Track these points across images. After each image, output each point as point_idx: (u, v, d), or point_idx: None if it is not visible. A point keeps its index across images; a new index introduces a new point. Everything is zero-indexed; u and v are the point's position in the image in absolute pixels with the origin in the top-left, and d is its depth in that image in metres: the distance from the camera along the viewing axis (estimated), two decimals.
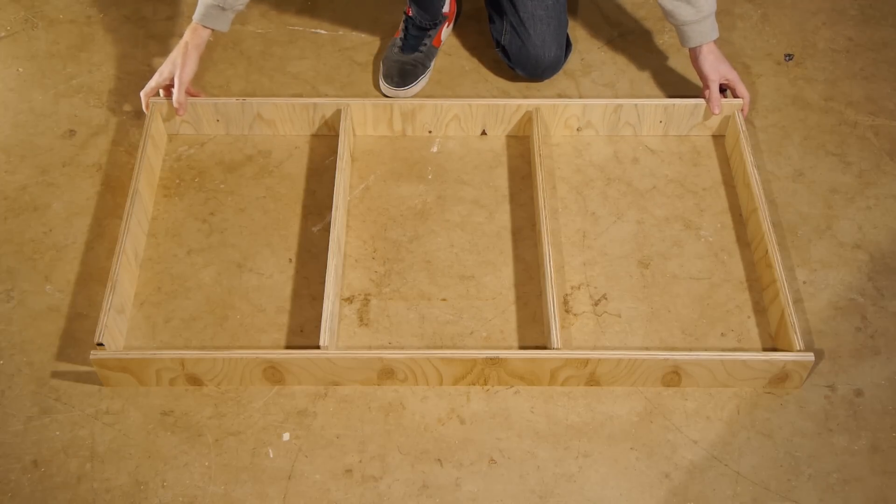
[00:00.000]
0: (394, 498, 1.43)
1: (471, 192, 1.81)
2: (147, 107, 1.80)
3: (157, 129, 1.81)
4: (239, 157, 1.86)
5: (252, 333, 1.60)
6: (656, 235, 1.74)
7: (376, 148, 1.88)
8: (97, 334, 1.50)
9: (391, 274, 1.68)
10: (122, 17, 2.14)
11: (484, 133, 1.89)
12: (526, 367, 1.51)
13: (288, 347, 1.59)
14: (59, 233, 1.74)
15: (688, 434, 1.50)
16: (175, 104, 1.77)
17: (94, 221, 1.75)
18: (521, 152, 1.87)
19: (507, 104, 1.84)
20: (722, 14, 2.10)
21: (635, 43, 2.10)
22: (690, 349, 1.59)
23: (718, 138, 1.90)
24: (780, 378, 1.53)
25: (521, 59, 1.93)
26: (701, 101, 1.84)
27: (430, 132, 1.89)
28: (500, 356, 1.50)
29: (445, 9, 2.01)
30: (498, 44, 1.98)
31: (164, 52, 1.98)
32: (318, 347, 1.51)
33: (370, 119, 1.86)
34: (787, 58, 2.07)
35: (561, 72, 2.00)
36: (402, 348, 1.59)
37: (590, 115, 1.86)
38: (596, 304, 1.65)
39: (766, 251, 1.63)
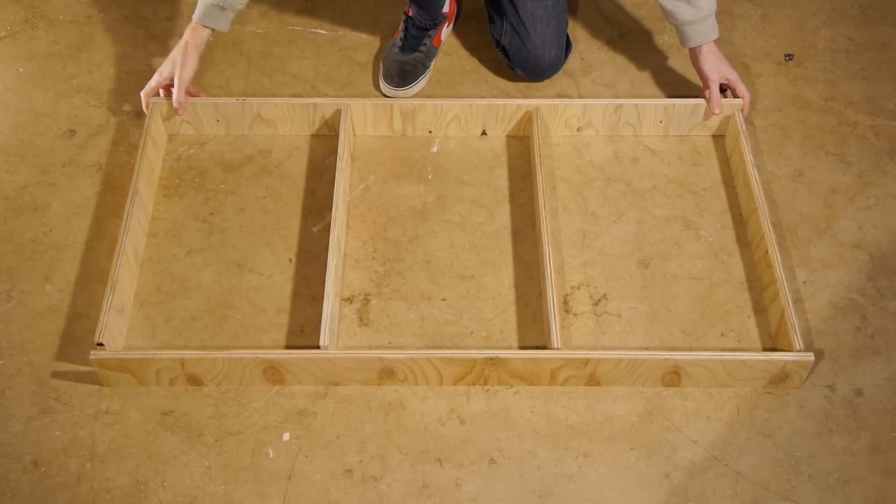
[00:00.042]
0: (394, 498, 1.43)
1: (471, 192, 1.81)
2: (147, 107, 1.80)
3: (157, 129, 1.81)
4: (239, 157, 1.86)
5: (252, 333, 1.60)
6: (656, 235, 1.74)
7: (376, 148, 1.88)
8: (97, 334, 1.50)
9: (391, 274, 1.68)
10: (122, 17, 2.14)
11: (484, 133, 1.89)
12: (526, 367, 1.51)
13: (288, 347, 1.59)
14: (59, 233, 1.74)
15: (688, 434, 1.50)
16: (175, 104, 1.77)
17: (94, 221, 1.75)
18: (521, 152, 1.87)
19: (507, 104, 1.84)
20: (722, 14, 2.10)
21: (635, 43, 2.10)
22: (690, 349, 1.59)
23: (718, 138, 1.90)
24: (780, 378, 1.53)
25: (521, 59, 1.93)
26: (701, 101, 1.84)
27: (430, 132, 1.89)
28: (500, 356, 1.50)
29: (445, 9, 2.01)
30: (498, 44, 1.98)
31: (164, 52, 1.98)
32: (318, 347, 1.51)
33: (370, 119, 1.86)
34: (787, 58, 2.07)
35: (561, 72, 2.00)
36: (402, 348, 1.59)
37: (590, 115, 1.86)
38: (596, 304, 1.65)
39: (766, 251, 1.63)
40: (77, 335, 1.60)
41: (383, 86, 1.96)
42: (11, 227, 1.75)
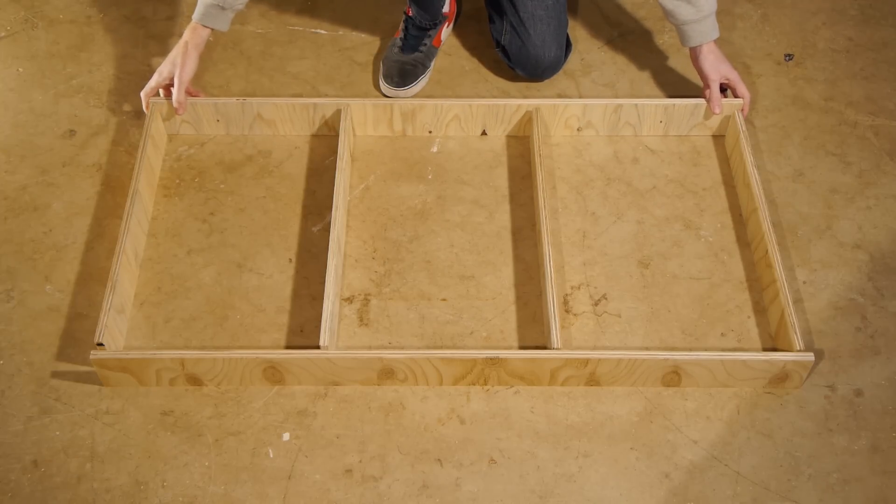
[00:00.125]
0: (394, 498, 1.43)
1: (471, 192, 1.81)
2: (147, 107, 1.80)
3: (157, 129, 1.81)
4: (239, 157, 1.86)
5: (252, 333, 1.60)
6: (656, 235, 1.74)
7: (376, 148, 1.88)
8: (97, 334, 1.50)
9: (391, 274, 1.68)
10: (122, 17, 2.14)
11: (484, 133, 1.89)
12: (526, 367, 1.51)
13: (288, 347, 1.59)
14: (59, 233, 1.74)
15: (688, 434, 1.50)
16: (175, 104, 1.77)
17: (94, 221, 1.75)
18: (521, 152, 1.87)
19: (507, 104, 1.84)
20: (722, 14, 2.10)
21: (635, 43, 2.10)
22: (690, 349, 1.59)
23: (718, 138, 1.90)
24: (780, 378, 1.53)
25: (521, 59, 1.93)
26: (701, 101, 1.84)
27: (430, 132, 1.89)
28: (500, 356, 1.50)
29: (445, 9, 2.01)
30: (498, 44, 1.98)
31: (164, 52, 1.98)
32: (318, 347, 1.51)
33: (370, 119, 1.86)
34: (787, 58, 2.07)
35: (561, 72, 2.00)
36: (402, 348, 1.59)
37: (590, 115, 1.86)
38: (596, 304, 1.65)
39: (766, 251, 1.63)
40: (77, 335, 1.60)
41: (383, 86, 1.96)
42: (11, 227, 1.75)
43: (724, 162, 1.86)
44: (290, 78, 2.01)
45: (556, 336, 1.52)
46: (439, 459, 1.47)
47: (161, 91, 1.81)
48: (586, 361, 1.50)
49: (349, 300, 1.65)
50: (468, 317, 1.63)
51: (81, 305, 1.64)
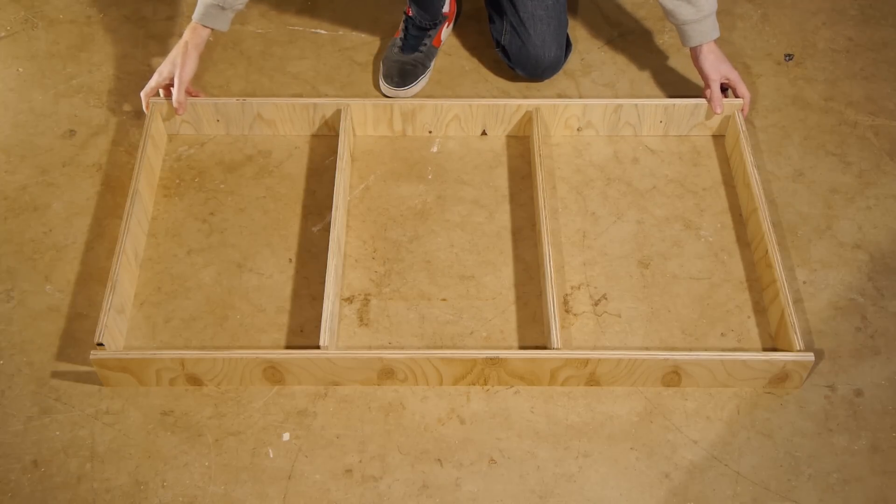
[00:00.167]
0: (394, 498, 1.43)
1: (471, 192, 1.81)
2: (147, 107, 1.80)
3: (157, 129, 1.81)
4: (239, 157, 1.86)
5: (252, 333, 1.60)
6: (656, 235, 1.74)
7: (376, 148, 1.88)
8: (97, 334, 1.50)
9: (391, 274, 1.68)
10: (122, 17, 2.14)
11: (484, 133, 1.89)
12: (526, 367, 1.51)
13: (288, 347, 1.59)
14: (59, 233, 1.74)
15: (688, 434, 1.50)
16: (175, 104, 1.77)
17: (94, 221, 1.75)
18: (521, 152, 1.87)
19: (507, 104, 1.84)
20: (722, 14, 2.10)
21: (635, 43, 2.10)
22: (690, 349, 1.59)
23: (718, 138, 1.90)
24: (780, 378, 1.53)
25: (521, 59, 1.93)
26: (701, 101, 1.84)
27: (430, 132, 1.89)
28: (500, 356, 1.50)
29: (445, 9, 2.01)
30: (498, 44, 1.98)
31: (164, 52, 1.98)
32: (318, 347, 1.51)
33: (370, 119, 1.86)
34: (787, 58, 2.07)
35: (561, 72, 2.00)
36: (402, 348, 1.59)
37: (590, 115, 1.86)
38: (596, 304, 1.65)
39: (766, 251, 1.63)
40: (77, 335, 1.60)
41: (383, 86, 1.96)
42: (11, 227, 1.75)
43: (724, 162, 1.86)
44: (290, 78, 2.01)
45: (556, 336, 1.52)
46: (439, 459, 1.47)
47: (161, 91, 1.81)
48: (586, 361, 1.50)
49: (349, 300, 1.65)
50: (468, 317, 1.63)
51: (81, 305, 1.64)
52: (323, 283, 1.60)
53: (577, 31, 2.12)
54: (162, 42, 2.07)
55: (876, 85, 2.01)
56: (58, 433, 1.49)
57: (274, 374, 1.52)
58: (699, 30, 1.78)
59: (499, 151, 1.87)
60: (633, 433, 1.50)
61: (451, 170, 1.84)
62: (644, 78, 2.02)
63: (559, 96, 1.98)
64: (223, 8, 1.75)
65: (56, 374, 1.56)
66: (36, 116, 1.93)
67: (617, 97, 1.98)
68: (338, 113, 1.84)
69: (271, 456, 1.47)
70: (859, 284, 1.68)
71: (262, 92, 1.98)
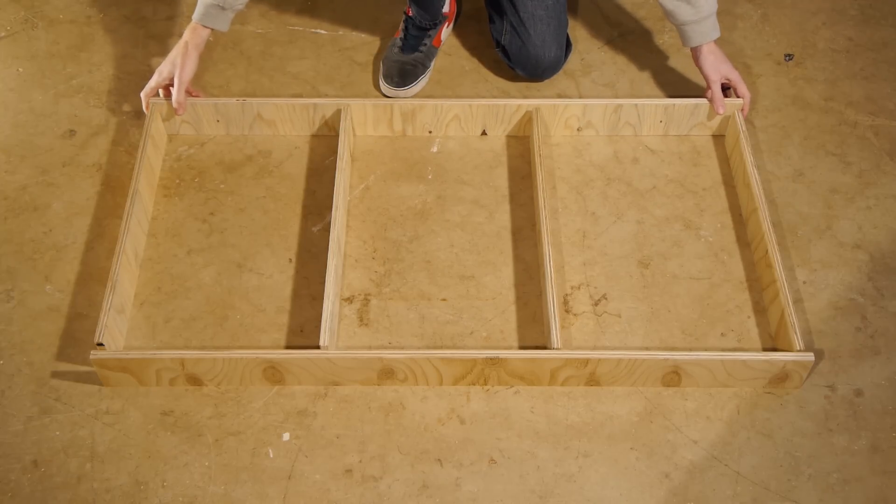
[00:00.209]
0: (394, 498, 1.43)
1: (471, 192, 1.81)
2: (147, 107, 1.80)
3: (157, 129, 1.81)
4: (239, 157, 1.86)
5: (252, 333, 1.60)
6: (656, 235, 1.74)
7: (376, 148, 1.88)
8: (97, 334, 1.50)
9: (391, 274, 1.68)
10: (122, 17, 2.14)
11: (484, 133, 1.89)
12: (526, 367, 1.51)
13: (288, 347, 1.59)
14: (59, 233, 1.74)
15: (688, 434, 1.50)
16: (174, 104, 1.77)
17: (94, 221, 1.75)
18: (521, 152, 1.87)
19: (507, 104, 1.84)
20: (722, 14, 2.10)
21: (635, 43, 2.10)
22: (690, 349, 1.59)
23: (718, 138, 1.90)
24: (780, 378, 1.53)
25: (521, 59, 1.93)
26: (701, 100, 1.84)
27: (430, 132, 1.89)
28: (500, 356, 1.50)
29: (445, 9, 2.01)
30: (498, 44, 1.98)
31: (164, 52, 1.98)
32: (318, 347, 1.51)
33: (370, 119, 1.86)
34: (787, 58, 2.07)
35: (561, 72, 2.00)
36: (402, 348, 1.59)
37: (590, 115, 1.86)
38: (596, 304, 1.65)
39: (766, 251, 1.63)
40: (77, 335, 1.60)
41: (383, 86, 1.96)
42: (11, 227, 1.75)
43: (724, 162, 1.86)
44: (290, 78, 2.01)
45: (556, 336, 1.52)
46: (439, 459, 1.47)
47: (161, 91, 1.81)
48: (586, 361, 1.50)
49: (349, 300, 1.65)
50: (468, 317, 1.63)
51: (81, 305, 1.64)
52: (323, 283, 1.60)
53: (577, 31, 2.12)
54: (162, 42, 2.07)
55: (876, 85, 2.01)
56: (58, 433, 1.49)
57: (274, 374, 1.52)
58: (699, 30, 1.78)
59: (499, 151, 1.87)
60: (633, 433, 1.50)
61: (451, 170, 1.84)
62: (644, 78, 2.02)
63: (559, 96, 1.98)
64: (223, 8, 1.74)
65: (56, 374, 1.56)
66: (36, 116, 1.93)
67: (617, 97, 1.98)
68: (338, 113, 1.84)
69: (271, 456, 1.47)
70: (859, 284, 1.68)
71: (262, 92, 1.98)
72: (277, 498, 1.43)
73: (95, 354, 1.49)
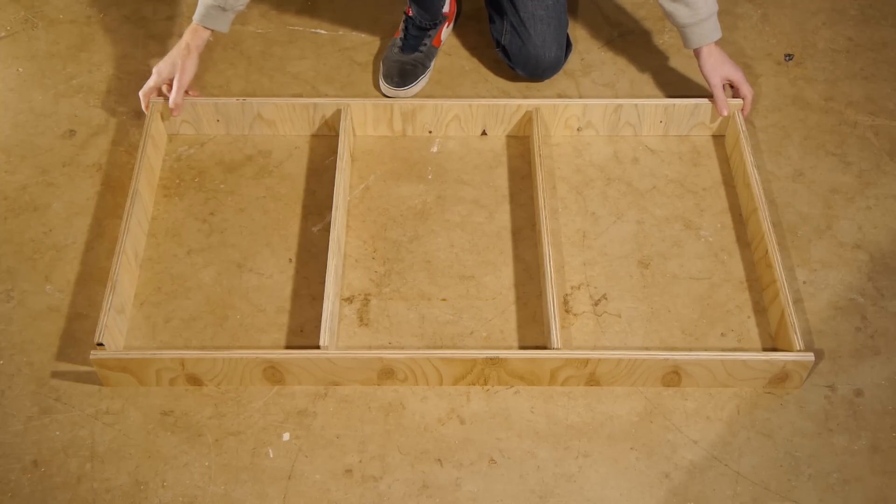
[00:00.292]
0: (394, 498, 1.43)
1: (471, 192, 1.81)
2: (147, 106, 1.80)
3: (157, 129, 1.81)
4: (239, 157, 1.86)
5: (252, 333, 1.60)
6: (656, 235, 1.74)
7: (376, 148, 1.88)
8: (97, 334, 1.50)
9: (391, 274, 1.68)
10: (122, 17, 2.14)
11: (484, 133, 1.89)
12: (526, 367, 1.51)
13: (288, 347, 1.59)
14: (59, 233, 1.74)
15: (688, 434, 1.50)
16: (171, 104, 1.78)
17: (94, 221, 1.75)
18: (521, 152, 1.87)
19: (508, 104, 1.84)
20: (722, 14, 2.10)
21: (635, 43, 2.10)
22: (690, 349, 1.59)
23: (718, 138, 1.90)
24: (780, 378, 1.53)
25: (521, 59, 1.93)
26: (701, 100, 1.84)
27: (430, 132, 1.89)
28: (500, 356, 1.50)
29: (445, 9, 2.01)
30: (498, 44, 1.98)
31: (164, 52, 1.98)
32: (318, 347, 1.51)
33: (370, 119, 1.86)
34: (787, 58, 2.07)
35: (561, 72, 2.00)
36: (402, 348, 1.59)
37: (590, 115, 1.86)
38: (596, 304, 1.65)
39: (766, 251, 1.63)
40: (77, 335, 1.60)
41: (383, 86, 1.96)
42: (11, 227, 1.75)
43: (724, 162, 1.86)
44: (290, 78, 2.01)
45: (556, 336, 1.52)
46: (439, 459, 1.47)
47: (163, 88, 1.80)
48: (586, 361, 1.50)
49: (349, 300, 1.65)
50: (468, 317, 1.63)
51: (81, 305, 1.64)
52: (323, 283, 1.60)
53: (577, 31, 2.12)
54: (162, 42, 2.07)
55: (876, 85, 2.01)
56: (58, 433, 1.49)
57: (274, 374, 1.52)
58: (698, 32, 1.78)
59: (499, 151, 1.87)
60: (633, 433, 1.50)
61: (451, 170, 1.84)
62: (644, 78, 2.02)
63: (559, 96, 1.98)
64: (224, 9, 1.74)
65: (56, 374, 1.56)
66: (36, 116, 1.93)
67: (617, 97, 1.98)
68: (338, 113, 1.84)
69: (271, 456, 1.47)
70: (859, 284, 1.68)
71: (262, 92, 1.98)
72: (277, 498, 1.43)
73: (95, 354, 1.49)
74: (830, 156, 1.88)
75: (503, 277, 1.68)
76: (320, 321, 1.57)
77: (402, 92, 1.94)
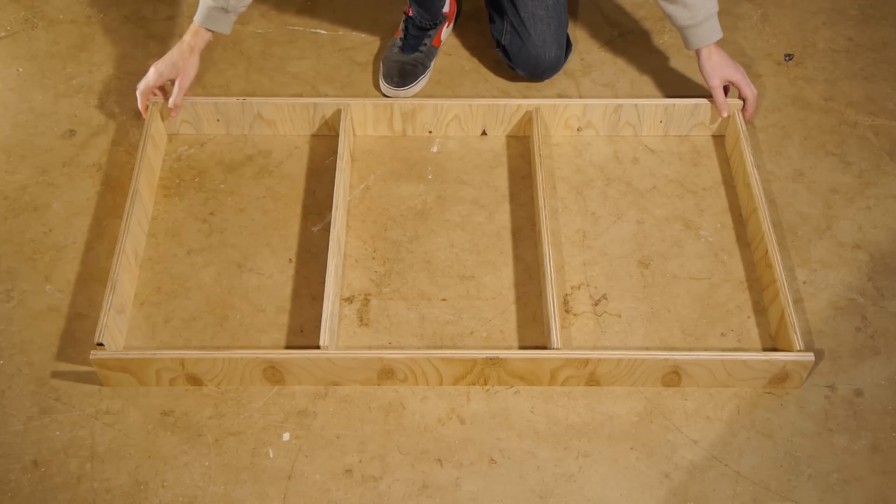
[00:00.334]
0: (394, 498, 1.43)
1: (471, 192, 1.81)
2: (143, 104, 1.79)
3: (157, 129, 1.81)
4: (239, 157, 1.86)
5: (252, 333, 1.60)
6: (656, 235, 1.74)
7: (376, 148, 1.88)
8: (97, 334, 1.50)
9: (391, 274, 1.68)
10: (122, 17, 2.14)
11: (484, 133, 1.89)
12: (526, 367, 1.51)
13: (288, 347, 1.59)
14: (59, 233, 1.74)
15: (688, 434, 1.50)
16: (171, 105, 1.78)
17: (94, 221, 1.75)
18: (521, 152, 1.87)
19: (508, 104, 1.84)
20: (722, 14, 2.09)
21: (635, 43, 2.10)
22: (690, 349, 1.59)
23: (718, 138, 1.90)
24: (780, 378, 1.53)
25: (521, 59, 1.93)
26: (701, 101, 1.84)
27: (430, 132, 1.89)
28: (500, 356, 1.50)
29: (445, 9, 2.01)
30: (498, 44, 1.98)
31: (164, 52, 1.96)
32: (318, 347, 1.51)
33: (370, 119, 1.86)
34: (787, 58, 2.07)
35: (561, 72, 2.00)
36: (402, 348, 1.59)
37: (590, 115, 1.86)
38: (596, 304, 1.65)
39: (766, 251, 1.63)
40: (77, 335, 1.60)
41: (383, 86, 1.96)
42: (11, 227, 1.75)
43: (724, 162, 1.86)
44: (290, 78, 2.01)
45: (556, 336, 1.52)
46: (439, 459, 1.47)
47: (162, 89, 1.80)
48: (586, 361, 1.50)
49: (349, 300, 1.65)
50: (468, 317, 1.63)
51: (81, 305, 1.64)
52: (323, 283, 1.60)
53: (577, 31, 2.12)
54: (162, 42, 2.07)
55: (876, 85, 2.01)
56: (58, 433, 1.49)
57: (274, 374, 1.52)
58: (697, 34, 1.78)
59: (499, 151, 1.87)
60: (633, 433, 1.50)
61: (451, 170, 1.84)
62: (644, 78, 2.02)
63: (559, 96, 1.98)
64: (226, 11, 1.74)
65: (56, 374, 1.56)
66: (36, 116, 1.93)
67: (617, 97, 1.98)
68: (338, 113, 1.85)
69: (271, 456, 1.47)
70: (859, 284, 1.68)
71: (262, 92, 1.98)
72: (277, 498, 1.43)
73: (95, 354, 1.49)
74: (830, 156, 1.88)
75: (503, 277, 1.68)
76: (320, 321, 1.57)
77: (402, 92, 1.94)
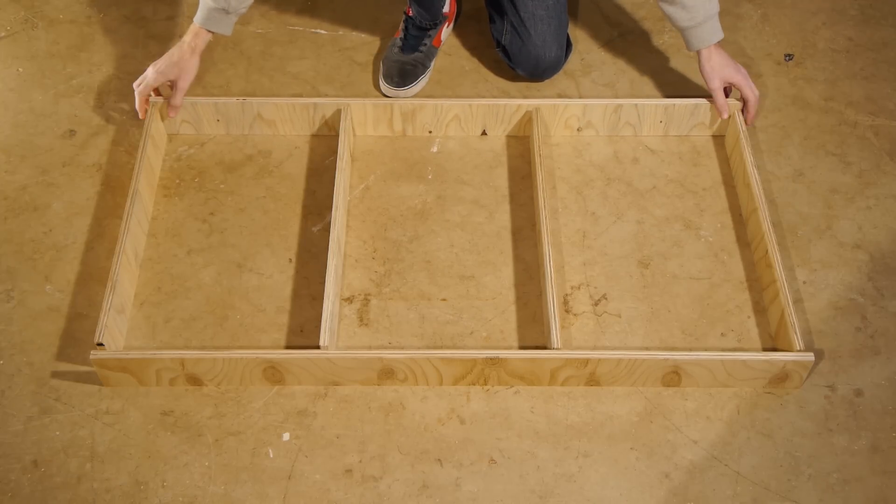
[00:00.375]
0: (394, 498, 1.43)
1: (471, 192, 1.81)
2: (141, 104, 1.79)
3: (157, 129, 1.81)
4: (239, 157, 1.86)
5: (252, 333, 1.60)
6: (656, 235, 1.74)
7: (376, 148, 1.88)
8: (97, 334, 1.50)
9: (391, 274, 1.68)
10: (122, 17, 2.14)
11: (484, 133, 1.89)
12: (526, 367, 1.51)
13: (288, 347, 1.59)
14: (59, 233, 1.74)
15: (688, 434, 1.50)
16: (171, 106, 1.77)
17: (94, 221, 1.75)
18: (521, 152, 1.87)
19: (508, 104, 1.84)
20: (722, 14, 2.09)
21: (635, 43, 2.10)
22: (690, 349, 1.59)
23: (718, 138, 1.90)
24: (780, 378, 1.53)
25: (521, 59, 1.93)
26: (701, 101, 1.84)
27: (430, 132, 1.89)
28: (500, 356, 1.50)
29: (445, 9, 2.01)
30: (498, 44, 1.98)
31: (164, 52, 1.97)
32: (318, 347, 1.51)
33: (370, 119, 1.86)
34: (787, 58, 2.07)
35: (561, 72, 2.00)
36: (402, 348, 1.59)
37: (590, 115, 1.86)
38: (596, 304, 1.65)
39: (766, 251, 1.63)
40: (77, 335, 1.60)
41: (383, 86, 1.96)
42: (11, 227, 1.75)
43: (724, 162, 1.86)
44: (290, 78, 2.01)
45: (556, 336, 1.52)
46: (439, 459, 1.47)
47: (158, 90, 1.80)
48: (586, 361, 1.50)
49: (349, 300, 1.65)
50: (468, 317, 1.63)
51: (81, 305, 1.64)
52: (323, 283, 1.60)
53: (577, 31, 2.12)
54: (162, 42, 2.07)
55: (876, 85, 2.01)
56: (58, 433, 1.49)
57: (274, 374, 1.52)
58: (697, 35, 1.77)
59: (499, 151, 1.87)
60: (633, 433, 1.50)
61: (451, 170, 1.84)
62: (644, 78, 2.02)
63: (559, 96, 1.98)
64: (227, 12, 1.74)
65: (56, 374, 1.56)
66: (36, 116, 1.93)
67: (617, 97, 1.98)
68: (338, 113, 1.85)
69: (271, 456, 1.47)
70: (859, 284, 1.68)
71: (262, 92, 1.98)
72: (277, 498, 1.43)
73: (95, 354, 1.49)
74: (830, 156, 1.88)
75: (503, 277, 1.68)
76: (320, 321, 1.57)
77: (402, 92, 1.94)
